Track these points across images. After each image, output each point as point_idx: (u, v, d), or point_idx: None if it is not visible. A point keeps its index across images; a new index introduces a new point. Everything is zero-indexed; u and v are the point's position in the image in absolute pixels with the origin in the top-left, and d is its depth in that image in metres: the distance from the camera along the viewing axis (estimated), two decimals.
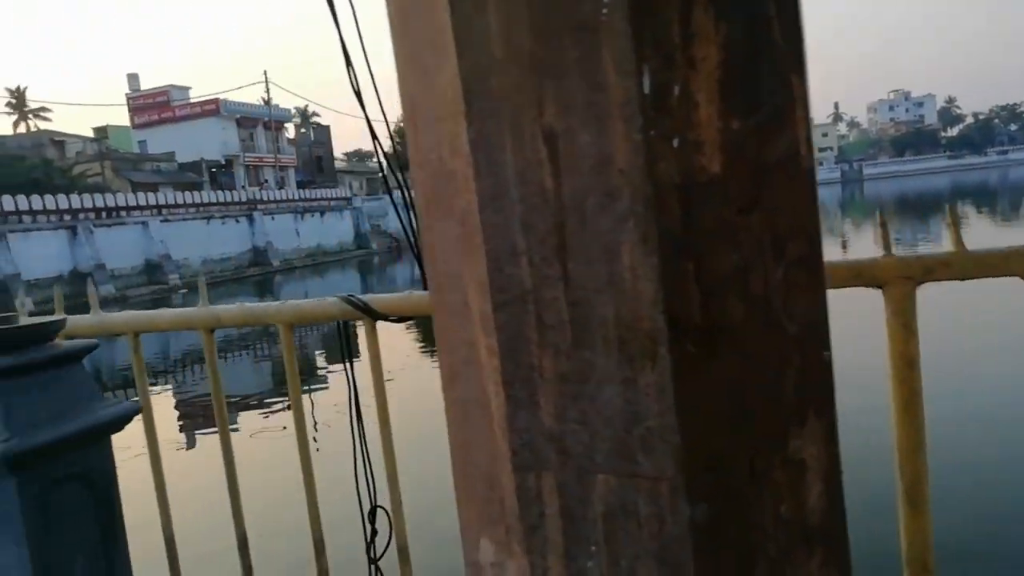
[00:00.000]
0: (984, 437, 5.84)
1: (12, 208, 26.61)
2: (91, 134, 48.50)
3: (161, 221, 31.88)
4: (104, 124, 49.73)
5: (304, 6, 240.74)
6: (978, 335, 8.78)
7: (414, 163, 0.56)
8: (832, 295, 0.56)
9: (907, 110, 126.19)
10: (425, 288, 1.18)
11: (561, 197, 0.45)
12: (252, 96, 60.92)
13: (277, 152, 52.20)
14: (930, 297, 1.14)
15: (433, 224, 0.54)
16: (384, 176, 1.28)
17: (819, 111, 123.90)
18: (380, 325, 1.28)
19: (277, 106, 52.29)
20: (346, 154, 75.09)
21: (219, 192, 38.30)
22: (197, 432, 8.55)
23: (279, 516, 4.50)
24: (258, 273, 33.66)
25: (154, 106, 50.85)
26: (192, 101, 50.92)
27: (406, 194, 1.22)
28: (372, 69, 1.22)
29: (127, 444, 1.55)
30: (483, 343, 0.50)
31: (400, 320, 1.29)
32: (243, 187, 44.53)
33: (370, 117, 1.26)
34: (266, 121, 51.88)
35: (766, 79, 0.46)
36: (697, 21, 0.44)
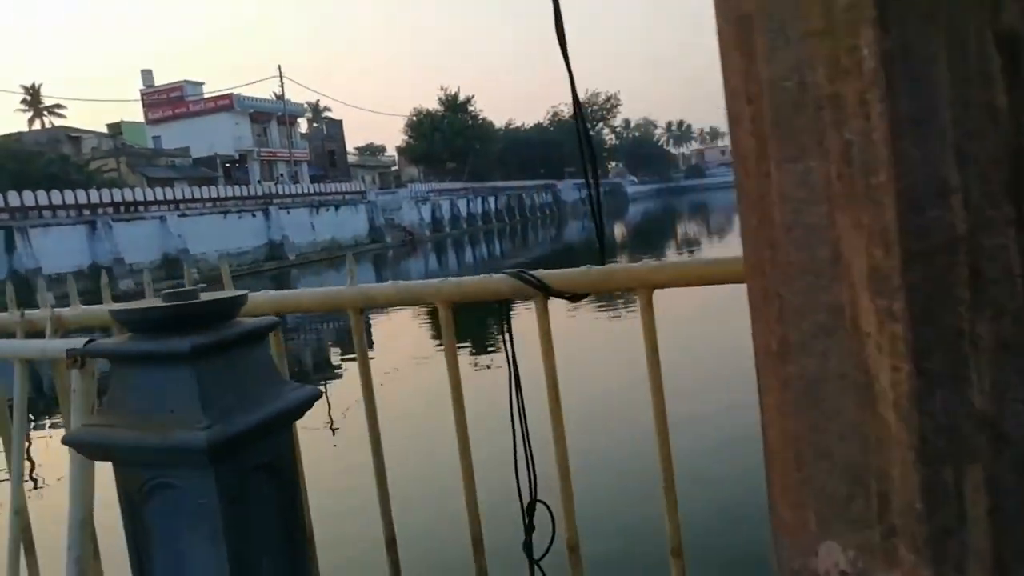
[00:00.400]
0: None
1: (32, 203, 26.76)
2: (105, 130, 48.69)
3: (179, 216, 32.01)
4: (118, 120, 49.88)
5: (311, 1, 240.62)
6: None
7: (737, 96, 0.47)
8: None
9: None
10: (602, 263, 1.20)
11: (1019, 118, 0.36)
12: (264, 91, 60.99)
13: (291, 147, 52.27)
14: None
15: (779, 166, 0.45)
16: (581, 146, 1.17)
17: None
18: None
19: (290, 101, 52.30)
20: (357, 148, 75.14)
21: (235, 187, 38.36)
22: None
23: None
24: (275, 267, 33.73)
25: (168, 101, 51.03)
26: (206, 96, 51.05)
27: (586, 165, 1.18)
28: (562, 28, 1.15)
29: None
30: (870, 306, 0.41)
31: (575, 298, 1.22)
32: (258, 182, 44.65)
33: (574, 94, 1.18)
34: (279, 116, 51.96)
35: None
36: None
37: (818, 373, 0.44)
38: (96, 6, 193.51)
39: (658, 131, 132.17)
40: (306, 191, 42.12)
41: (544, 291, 1.20)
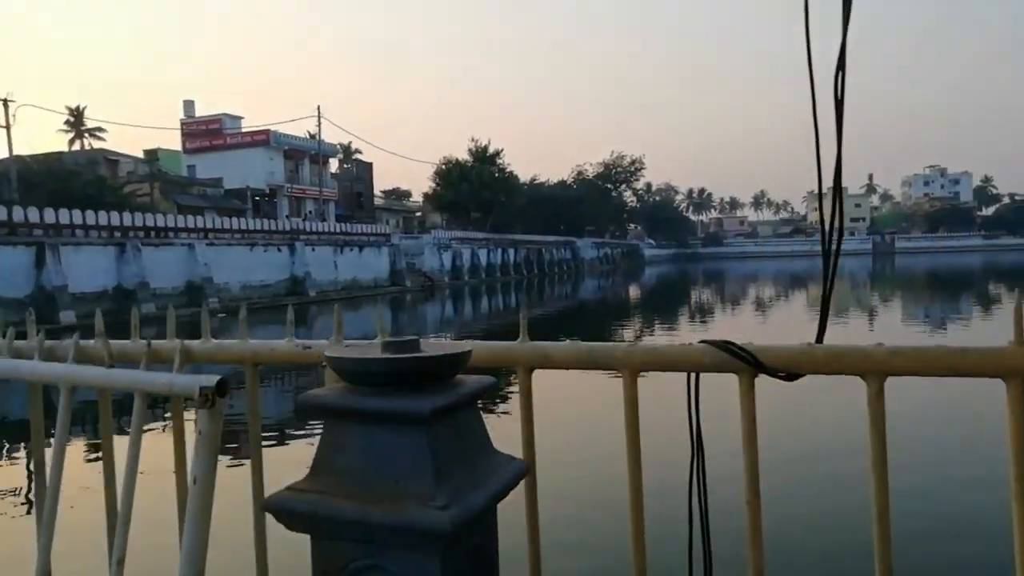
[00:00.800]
0: None
1: (67, 221, 27.33)
2: (142, 156, 49.98)
3: (207, 244, 32.54)
4: (155, 147, 51.26)
5: (354, 43, 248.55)
6: None
7: None
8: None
9: (942, 186, 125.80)
10: (817, 341, 1.14)
11: None
12: (299, 128, 62.68)
13: (321, 185, 53.35)
14: None
15: None
16: (821, 197, 1.10)
17: (853, 181, 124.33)
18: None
19: (324, 141, 53.62)
20: (384, 192, 76.41)
21: (263, 220, 39.05)
22: None
23: None
24: (294, 302, 33.94)
25: (206, 132, 52.48)
26: (244, 130, 52.45)
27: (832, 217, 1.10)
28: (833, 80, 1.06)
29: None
30: None
31: (789, 377, 1.12)
32: (287, 217, 45.43)
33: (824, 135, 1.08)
34: (313, 154, 53.19)
35: None
36: None
37: None
38: (149, 32, 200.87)
39: (678, 197, 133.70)
40: (333, 229, 42.79)
41: (755, 367, 1.11)
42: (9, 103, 33.85)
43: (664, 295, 42.33)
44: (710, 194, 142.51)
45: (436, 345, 1.09)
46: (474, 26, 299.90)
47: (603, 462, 6.42)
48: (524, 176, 78.57)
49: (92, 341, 1.64)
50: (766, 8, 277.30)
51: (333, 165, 61.46)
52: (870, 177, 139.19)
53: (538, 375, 1.37)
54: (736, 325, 22.69)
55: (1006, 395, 1.05)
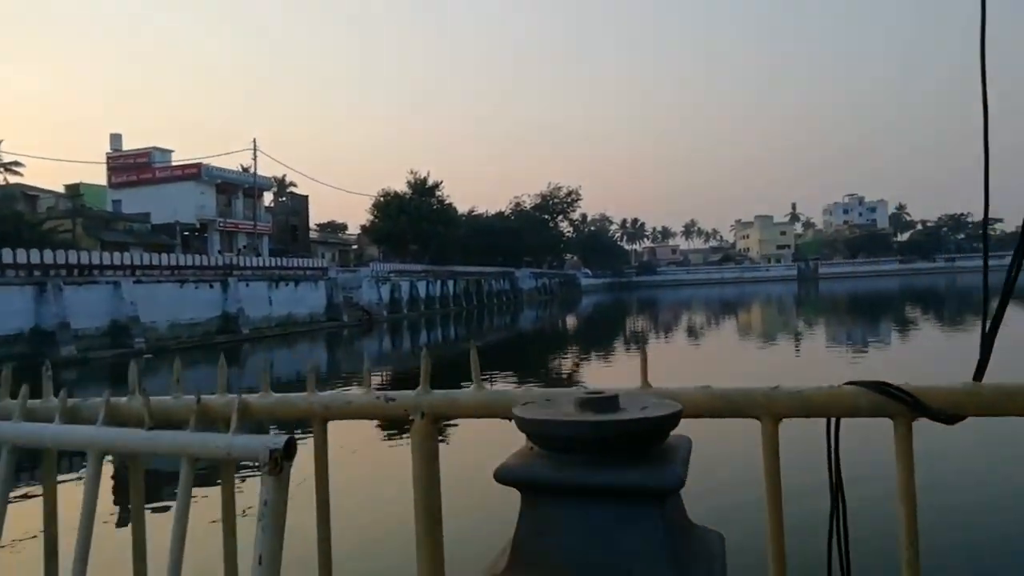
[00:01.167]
0: None
1: None
2: (63, 191, 48.04)
3: (134, 282, 31.44)
4: (77, 181, 49.35)
5: (290, 76, 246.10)
6: None
7: None
8: None
9: (860, 214, 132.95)
10: (977, 378, 1.03)
11: None
12: (232, 162, 61.45)
13: (255, 219, 52.36)
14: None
15: None
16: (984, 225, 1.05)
17: (777, 210, 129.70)
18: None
19: (259, 175, 52.78)
20: (319, 225, 75.49)
21: (194, 256, 38.01)
22: None
23: None
24: (226, 340, 33.12)
25: (134, 166, 50.91)
26: (174, 164, 51.14)
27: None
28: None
29: None
30: None
31: (952, 419, 1.01)
32: (218, 252, 44.34)
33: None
34: (247, 188, 52.25)
35: None
36: None
37: None
38: (69, 69, 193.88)
39: (613, 227, 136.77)
40: (267, 263, 41.98)
41: (915, 409, 1.01)
42: None
43: (601, 324, 43.11)
44: (643, 224, 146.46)
45: (632, 398, 0.95)
46: (413, 60, 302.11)
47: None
48: (463, 208, 79.18)
49: (124, 399, 1.45)
50: (689, 40, 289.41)
51: (267, 199, 60.48)
52: (793, 206, 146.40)
53: None
54: (662, 348, 23.33)
55: None
